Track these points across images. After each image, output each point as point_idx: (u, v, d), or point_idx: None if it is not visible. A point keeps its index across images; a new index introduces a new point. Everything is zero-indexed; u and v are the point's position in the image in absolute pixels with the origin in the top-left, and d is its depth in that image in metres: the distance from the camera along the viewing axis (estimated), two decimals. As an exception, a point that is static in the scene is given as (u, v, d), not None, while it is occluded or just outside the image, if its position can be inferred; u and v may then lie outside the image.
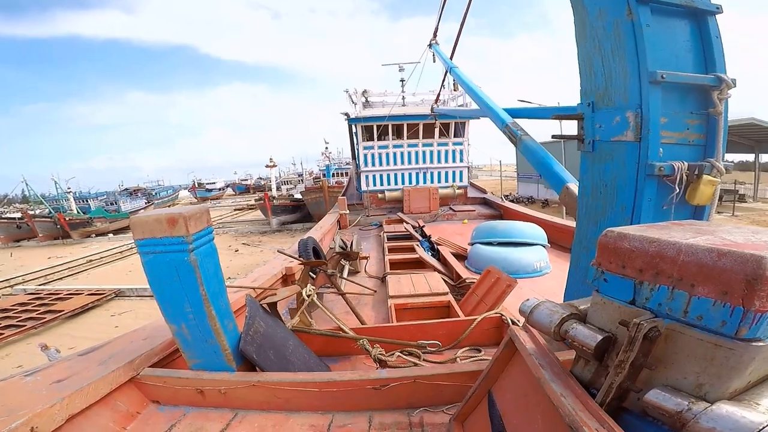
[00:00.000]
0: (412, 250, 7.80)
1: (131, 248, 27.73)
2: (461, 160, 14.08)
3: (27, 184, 39.19)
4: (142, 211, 41.73)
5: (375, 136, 13.43)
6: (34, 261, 25.02)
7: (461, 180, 14.22)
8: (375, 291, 5.49)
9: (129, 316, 14.17)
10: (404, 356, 2.87)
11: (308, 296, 3.91)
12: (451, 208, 13.09)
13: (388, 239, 8.83)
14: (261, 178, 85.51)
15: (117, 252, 26.65)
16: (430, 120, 11.83)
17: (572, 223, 8.15)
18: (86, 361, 2.47)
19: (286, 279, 5.55)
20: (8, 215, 36.77)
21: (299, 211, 32.81)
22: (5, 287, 18.16)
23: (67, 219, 31.84)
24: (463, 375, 2.25)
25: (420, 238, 8.74)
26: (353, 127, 14.22)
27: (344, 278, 5.82)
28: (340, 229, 11.41)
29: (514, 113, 3.99)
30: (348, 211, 11.94)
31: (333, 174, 44.28)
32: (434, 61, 9.01)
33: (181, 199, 68.90)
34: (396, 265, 6.55)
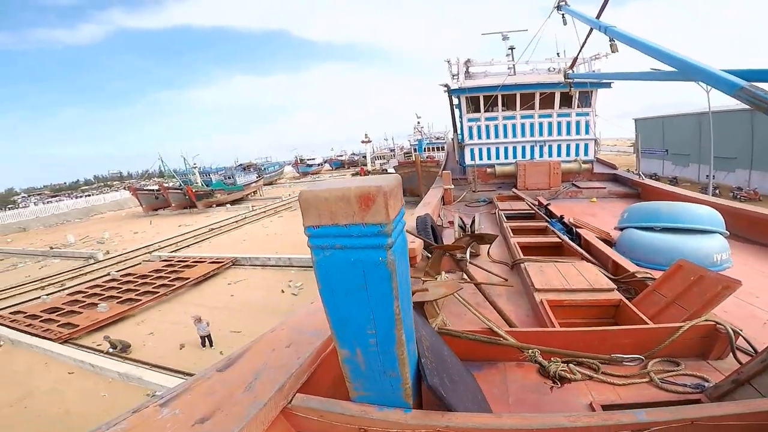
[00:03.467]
0: (542, 232, 6.85)
1: (245, 218, 30.50)
2: (586, 132, 12.09)
3: (162, 161, 44.80)
4: (253, 184, 45.83)
5: (482, 107, 12.10)
6: (168, 228, 28.76)
7: (586, 154, 12.30)
8: (506, 279, 4.76)
9: (243, 285, 15.26)
10: (579, 369, 2.41)
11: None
12: (574, 185, 11.37)
13: (507, 218, 7.79)
14: (354, 154, 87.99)
15: (233, 221, 29.40)
16: (562, 88, 10.18)
17: (758, 209, 6.26)
18: (228, 383, 2.03)
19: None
20: (148, 187, 43.18)
21: None
22: (145, 253, 21.10)
23: (194, 191, 36.21)
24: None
25: (546, 218, 7.57)
26: (456, 98, 13.03)
27: (473, 264, 4.96)
28: (444, 205, 10.54)
29: (747, 75, 2.60)
30: (452, 186, 11.03)
31: (424, 149, 43.43)
32: (565, 24, 7.71)
33: (285, 173, 74.27)
34: (527, 250, 5.56)
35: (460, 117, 13.14)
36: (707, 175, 29.62)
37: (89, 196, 56.67)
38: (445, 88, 13.19)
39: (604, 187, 10.97)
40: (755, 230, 6.02)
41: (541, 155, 12.30)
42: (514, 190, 11.12)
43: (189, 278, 15.10)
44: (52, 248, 24.97)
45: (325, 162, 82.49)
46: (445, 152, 25.46)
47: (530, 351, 2.48)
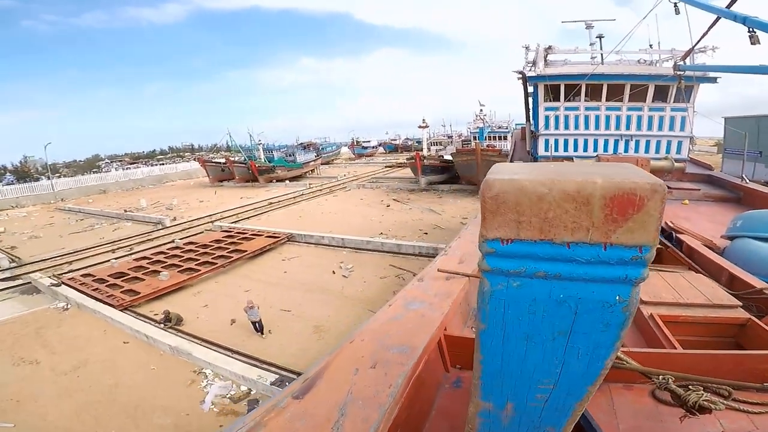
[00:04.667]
0: None
1: (302, 194, 31.28)
2: (681, 129, 10.78)
3: (230, 136, 47.67)
4: (312, 163, 46.89)
5: (562, 96, 11.10)
6: (230, 200, 30.20)
7: (678, 152, 11.07)
8: None
9: (296, 262, 15.47)
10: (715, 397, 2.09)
11: None
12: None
13: None
14: (408, 139, 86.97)
15: (290, 198, 30.19)
16: (664, 80, 9.09)
17: None
18: (308, 418, 1.76)
19: None
20: (215, 160, 45.71)
21: (447, 173, 32.24)
22: (208, 222, 22.26)
23: (257, 166, 37.80)
24: None
25: None
26: (531, 86, 12.08)
27: None
28: None
29: None
30: None
31: (486, 137, 41.77)
32: (677, 13, 6.89)
33: (342, 154, 75.34)
34: None
35: (535, 105, 12.22)
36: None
37: (163, 164, 61.35)
38: (519, 75, 12.41)
39: (699, 189, 9.91)
40: None
41: (625, 150, 11.19)
42: None
43: (246, 251, 15.57)
44: (126, 211, 27.18)
45: (379, 145, 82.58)
46: (511, 141, 24.29)
47: (661, 377, 2.14)
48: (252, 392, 7.79)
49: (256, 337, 9.71)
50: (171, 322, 10.34)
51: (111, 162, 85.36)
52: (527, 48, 12.55)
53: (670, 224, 6.21)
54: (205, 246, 16.47)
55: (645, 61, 12.29)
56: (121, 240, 19.70)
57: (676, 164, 10.55)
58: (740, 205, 8.68)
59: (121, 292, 12.13)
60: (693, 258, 4.93)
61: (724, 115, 36.17)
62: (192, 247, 16.58)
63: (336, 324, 10.36)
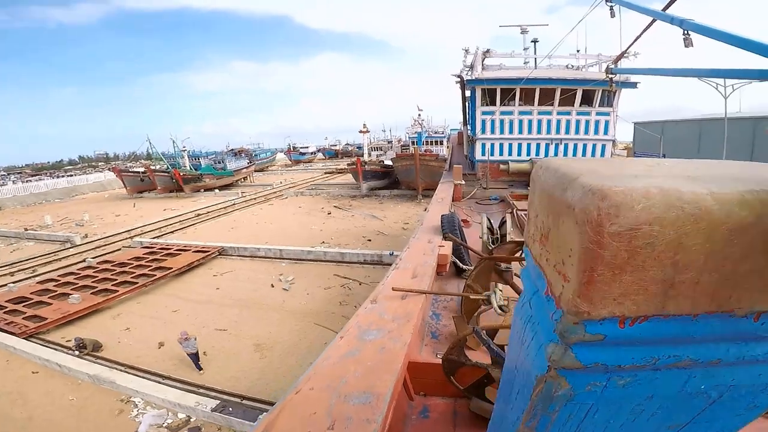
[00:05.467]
0: None
1: (234, 204, 29.38)
2: (605, 133, 11.53)
3: (150, 143, 43.42)
4: (244, 170, 44.48)
5: (498, 100, 11.37)
6: (152, 212, 27.40)
7: (602, 155, 11.75)
8: None
9: (229, 277, 14.26)
10: None
11: (501, 308, 2.60)
12: None
13: None
14: (349, 144, 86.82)
15: (221, 207, 28.20)
16: (591, 85, 9.60)
17: None
18: None
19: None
20: (134, 169, 41.55)
21: (388, 178, 32.31)
22: (126, 238, 19.87)
23: (181, 174, 34.86)
24: None
25: None
26: (470, 90, 12.31)
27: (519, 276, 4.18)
28: (453, 201, 9.82)
29: None
30: (463, 182, 10.29)
31: (424, 142, 42.69)
32: (612, 16, 7.22)
33: (278, 161, 72.80)
34: None
35: (472, 109, 12.42)
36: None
37: (72, 176, 54.49)
38: (458, 79, 12.59)
39: None
40: None
41: (555, 153, 11.72)
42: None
43: (172, 268, 14.04)
44: (26, 229, 23.51)
45: (318, 151, 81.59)
46: (449, 146, 24.92)
47: None
48: (192, 419, 7.04)
49: (191, 361, 8.62)
50: (87, 348, 9.15)
51: (8, 174, 74.10)
52: (467, 50, 12.76)
53: None
54: (123, 264, 14.60)
55: (572, 66, 13.06)
56: (21, 261, 16.88)
57: (601, 167, 11.35)
58: None
59: (23, 318, 10.58)
60: None
61: (633, 121, 40.64)
62: (107, 266, 14.64)
63: (279, 341, 9.61)
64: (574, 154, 11.59)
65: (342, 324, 10.86)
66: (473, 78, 11.49)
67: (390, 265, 15.55)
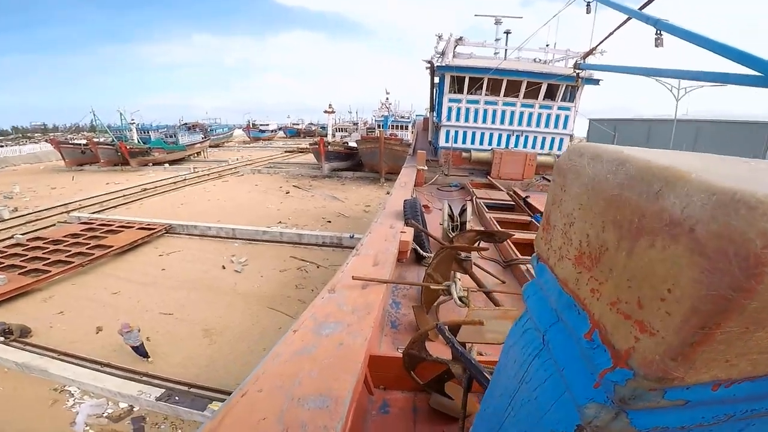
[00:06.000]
0: (527, 227, 6.67)
1: (185, 179, 27.83)
2: (565, 127, 11.88)
3: (95, 115, 40.71)
4: (198, 145, 42.47)
5: (466, 88, 11.37)
6: (93, 186, 25.30)
7: (560, 148, 12.21)
8: (503, 282, 4.24)
9: (177, 257, 13.47)
10: None
11: (462, 299, 2.52)
12: (545, 178, 11.18)
13: (488, 208, 7.35)
14: (312, 124, 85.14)
15: (171, 183, 26.63)
16: (556, 79, 9.91)
17: None
18: None
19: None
20: (75, 141, 38.55)
21: (351, 160, 32.05)
22: (62, 212, 18.20)
23: (128, 148, 32.66)
24: None
25: (530, 212, 7.33)
26: (439, 76, 12.26)
27: (478, 266, 4.17)
28: (415, 186, 9.83)
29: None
30: (426, 168, 10.29)
31: (390, 126, 42.51)
32: (588, 12, 7.37)
33: (235, 137, 69.99)
34: (519, 248, 5.05)
35: (440, 96, 12.38)
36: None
37: (2, 146, 49.20)
38: (429, 64, 12.50)
39: None
40: None
41: (516, 145, 11.95)
42: (489, 177, 10.65)
43: (112, 246, 13.03)
44: (-58, 199, 20.99)
45: (279, 129, 79.60)
46: (414, 131, 24.96)
47: None
48: (135, 409, 6.62)
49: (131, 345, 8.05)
50: (13, 334, 8.33)
51: None
52: (440, 36, 12.61)
53: None
54: (57, 242, 13.35)
55: (540, 60, 13.24)
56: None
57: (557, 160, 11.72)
58: None
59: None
60: None
61: (589, 117, 42.73)
62: (39, 243, 13.34)
63: (229, 325, 9.21)
64: (533, 147, 11.86)
65: (298, 309, 10.58)
66: (444, 64, 11.38)
67: (350, 248, 15.38)
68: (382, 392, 2.33)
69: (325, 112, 36.08)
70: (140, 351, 7.79)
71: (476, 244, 3.91)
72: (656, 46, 4.42)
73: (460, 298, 2.66)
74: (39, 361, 7.50)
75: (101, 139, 37.27)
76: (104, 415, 6.48)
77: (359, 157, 30.80)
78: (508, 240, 5.21)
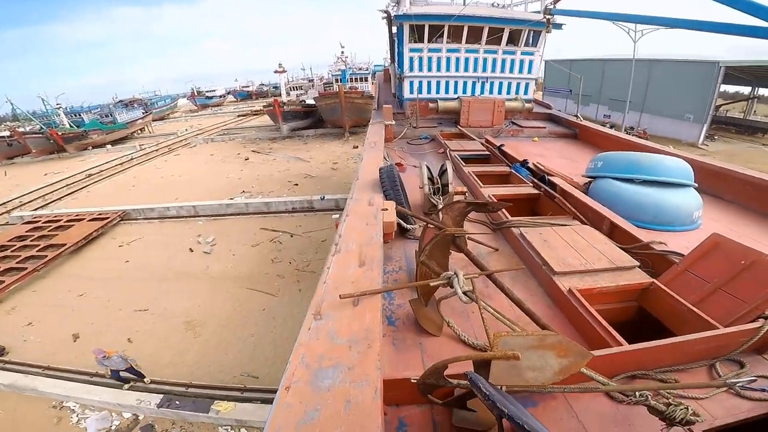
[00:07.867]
0: (506, 179, 6.25)
1: (131, 159, 25.89)
2: (529, 72, 11.66)
3: (12, 104, 37.10)
4: (140, 121, 39.43)
5: (426, 37, 10.77)
6: (30, 178, 22.98)
7: (526, 93, 12.08)
8: (497, 249, 4.06)
9: (139, 246, 12.65)
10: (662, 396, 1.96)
11: (467, 294, 2.29)
12: (514, 123, 11.11)
13: (465, 161, 6.96)
14: (264, 85, 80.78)
15: (117, 164, 24.70)
16: (530, 26, 9.89)
17: (723, 164, 6.05)
18: None
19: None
20: (-3, 134, 34.79)
21: (311, 117, 31.11)
22: (2, 213, 16.41)
23: (60, 133, 29.79)
24: None
25: (506, 161, 6.97)
26: (398, 26, 11.55)
27: (472, 238, 3.96)
28: (385, 143, 9.43)
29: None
30: (394, 122, 9.95)
31: (348, 79, 40.94)
32: None
33: (180, 107, 65.52)
34: (508, 208, 4.60)
35: (400, 47, 11.73)
36: (605, 115, 32.90)
37: None
38: (385, 14, 11.73)
39: (545, 127, 10.95)
40: (718, 185, 5.73)
41: (482, 92, 11.68)
42: (459, 127, 10.42)
43: (66, 244, 12.02)
44: None
45: (228, 93, 75.15)
46: (375, 83, 24.05)
47: (638, 394, 1.92)
48: (140, 418, 6.42)
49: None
50: None
51: None
52: None
53: (539, 165, 6.41)
54: (2, 247, 12.14)
55: (498, 4, 12.65)
56: None
57: (525, 105, 11.47)
58: (577, 140, 9.88)
59: None
60: (571, 204, 4.87)
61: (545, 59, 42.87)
62: (-21, 251, 12.09)
63: (211, 314, 8.87)
64: (500, 92, 11.60)
65: (279, 285, 10.25)
66: (401, 13, 10.61)
67: (322, 211, 14.78)
68: (395, 410, 2.08)
69: (276, 72, 34.15)
70: (132, 372, 6.96)
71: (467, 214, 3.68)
72: None
73: (465, 293, 2.34)
74: (26, 380, 7.09)
75: (27, 128, 34.70)
76: (113, 428, 6.29)
77: (319, 114, 29.81)
78: (491, 196, 5.07)
